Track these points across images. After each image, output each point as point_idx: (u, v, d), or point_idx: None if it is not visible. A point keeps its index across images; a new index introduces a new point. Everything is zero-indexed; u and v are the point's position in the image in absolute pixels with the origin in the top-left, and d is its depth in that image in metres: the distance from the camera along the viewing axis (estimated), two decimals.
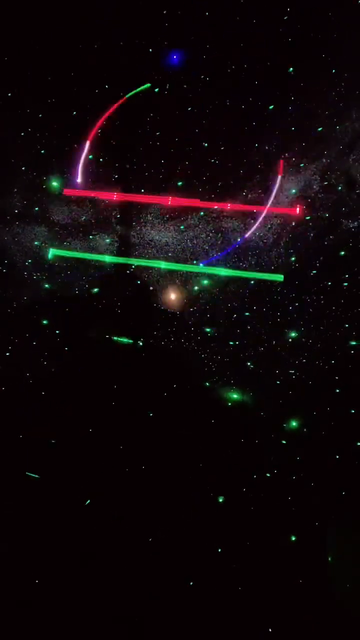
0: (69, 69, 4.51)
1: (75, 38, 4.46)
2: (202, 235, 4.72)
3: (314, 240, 4.59)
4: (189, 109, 4.57)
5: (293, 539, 3.88)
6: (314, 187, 4.65)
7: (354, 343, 4.30)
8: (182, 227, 4.75)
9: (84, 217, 4.74)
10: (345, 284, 4.45)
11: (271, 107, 4.43)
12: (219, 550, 3.74)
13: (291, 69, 4.42)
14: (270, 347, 4.50)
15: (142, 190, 4.72)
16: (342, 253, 4.48)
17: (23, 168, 4.62)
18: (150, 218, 4.77)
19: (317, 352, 4.41)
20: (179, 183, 4.63)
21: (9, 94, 4.49)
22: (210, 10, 4.41)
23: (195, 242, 4.73)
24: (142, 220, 4.76)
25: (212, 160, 4.64)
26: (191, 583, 3.58)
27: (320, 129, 4.54)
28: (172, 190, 4.69)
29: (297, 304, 4.52)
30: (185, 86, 4.57)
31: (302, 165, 4.62)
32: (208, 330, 4.54)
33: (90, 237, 4.73)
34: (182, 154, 4.64)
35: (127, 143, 4.74)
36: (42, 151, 4.58)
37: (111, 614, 3.45)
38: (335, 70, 4.46)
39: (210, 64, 4.49)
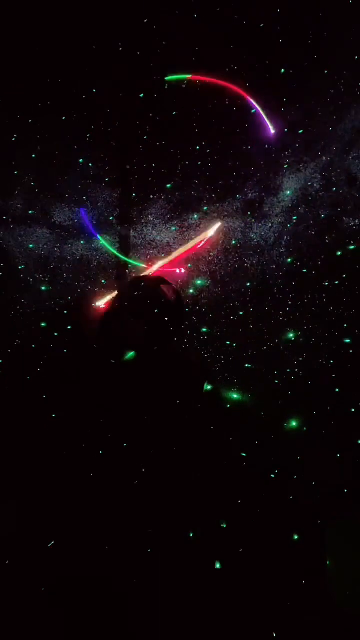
0: (68, 69, 4.52)
1: (73, 39, 4.48)
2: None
3: (313, 240, 4.59)
4: (188, 109, 4.59)
5: (295, 537, 3.88)
6: (314, 185, 4.64)
7: (348, 341, 4.29)
8: (173, 228, 4.77)
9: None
10: (337, 281, 4.45)
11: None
12: (219, 549, 3.76)
13: (283, 70, 4.42)
14: (270, 347, 4.50)
15: (135, 194, 4.75)
16: (340, 253, 4.47)
17: (16, 172, 4.65)
18: (151, 218, 4.78)
19: (317, 352, 4.42)
20: (168, 185, 4.65)
21: (8, 95, 4.52)
22: (207, 9, 4.40)
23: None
24: (142, 220, 4.78)
25: (211, 161, 4.65)
26: (191, 584, 3.60)
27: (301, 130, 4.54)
28: (170, 191, 4.72)
29: (297, 304, 4.52)
30: (183, 86, 4.57)
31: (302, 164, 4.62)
32: (206, 330, 4.56)
33: (83, 241, 4.76)
34: (180, 154, 4.65)
35: (126, 143, 4.76)
36: (34, 155, 4.61)
37: (110, 614, 3.48)
38: (334, 68, 4.44)
39: (208, 63, 4.50)
